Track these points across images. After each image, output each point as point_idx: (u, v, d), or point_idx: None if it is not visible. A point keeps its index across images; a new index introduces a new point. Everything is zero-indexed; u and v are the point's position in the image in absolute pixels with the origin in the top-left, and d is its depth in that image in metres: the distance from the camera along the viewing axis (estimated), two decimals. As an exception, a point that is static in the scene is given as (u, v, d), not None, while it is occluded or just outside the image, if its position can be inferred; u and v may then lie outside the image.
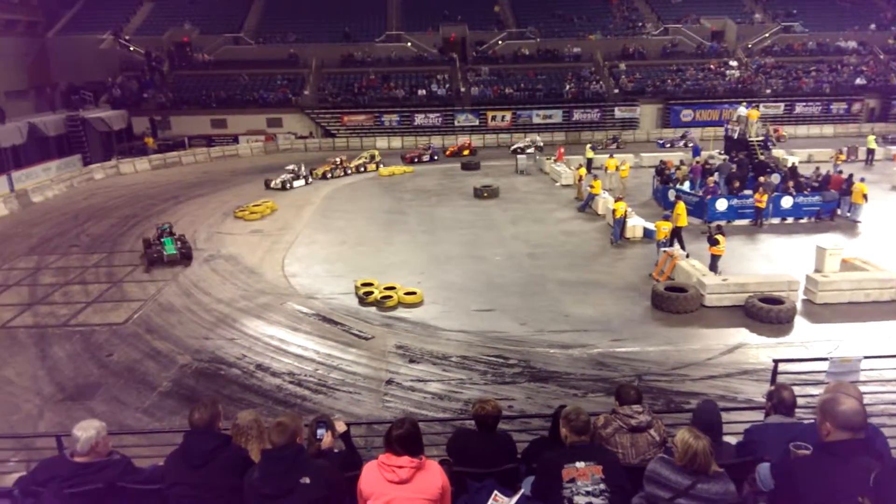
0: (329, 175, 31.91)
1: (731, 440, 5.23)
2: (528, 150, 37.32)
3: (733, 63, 46.33)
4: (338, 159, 33.16)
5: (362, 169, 33.55)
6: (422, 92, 44.04)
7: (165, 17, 48.59)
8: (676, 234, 18.50)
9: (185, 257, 19.44)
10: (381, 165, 34.18)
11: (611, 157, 28.75)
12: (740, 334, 13.84)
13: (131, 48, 45.36)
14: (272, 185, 29.51)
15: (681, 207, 18.86)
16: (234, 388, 12.25)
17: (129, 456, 4.92)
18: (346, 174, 32.65)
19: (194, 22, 47.80)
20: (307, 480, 3.98)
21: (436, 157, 36.78)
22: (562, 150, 33.83)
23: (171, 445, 4.79)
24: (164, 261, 19.02)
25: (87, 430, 4.56)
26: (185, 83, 44.32)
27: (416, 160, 36.11)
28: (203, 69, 45.02)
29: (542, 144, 39.38)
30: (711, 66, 46.10)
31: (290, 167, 30.62)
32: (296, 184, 29.67)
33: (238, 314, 15.68)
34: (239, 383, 12.43)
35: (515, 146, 38.77)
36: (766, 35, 49.16)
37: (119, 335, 14.71)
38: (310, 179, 30.87)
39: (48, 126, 34.84)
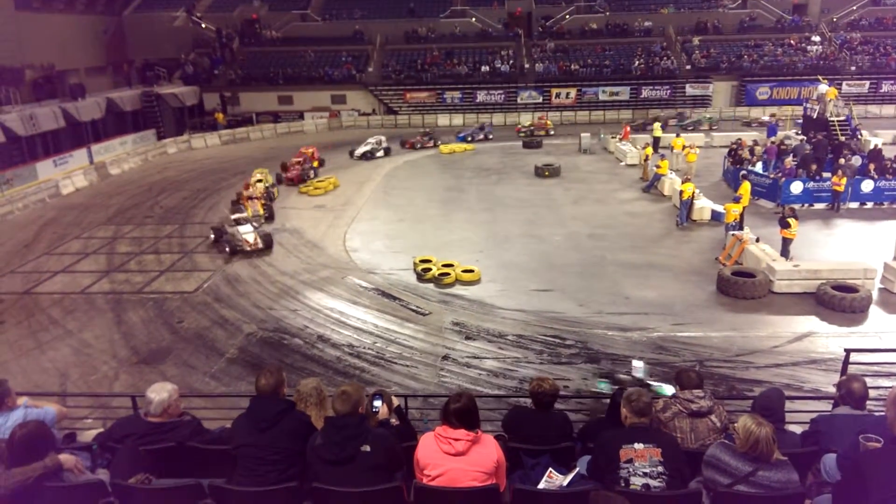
0: (252, 226, 19.28)
1: (797, 430, 5.08)
2: (378, 154, 31.48)
3: (816, 38, 43.82)
4: (244, 191, 22.69)
5: (266, 199, 22.73)
6: (485, 68, 43.57)
7: (236, -5, 49.64)
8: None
9: None
10: (276, 188, 25.18)
11: (678, 135, 27.85)
12: (810, 322, 13.31)
13: (203, 25, 46.58)
14: (229, 247, 18.47)
15: (745, 188, 18.52)
16: (296, 357, 12.65)
17: (198, 417, 5.17)
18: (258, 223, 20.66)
19: (263, -1, 48.68)
20: (368, 449, 4.09)
21: (313, 175, 27.55)
22: (628, 128, 32.92)
23: (236, 409, 5.00)
24: None
25: (160, 393, 4.82)
26: (254, 60, 45.24)
27: (296, 181, 26.33)
28: (271, 46, 45.83)
29: (388, 146, 32.26)
30: (792, 42, 43.74)
31: (211, 228, 19.99)
32: (243, 231, 18.69)
33: (301, 286, 16.11)
34: (301, 353, 12.82)
35: (360, 150, 31.67)
36: (854, 8, 46.22)
37: (189, 303, 15.37)
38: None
39: (125, 101, 36.39)
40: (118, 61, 44.90)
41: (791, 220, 15.97)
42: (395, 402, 5.17)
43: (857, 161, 22.24)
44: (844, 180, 20.38)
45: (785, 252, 16.02)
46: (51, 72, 36.76)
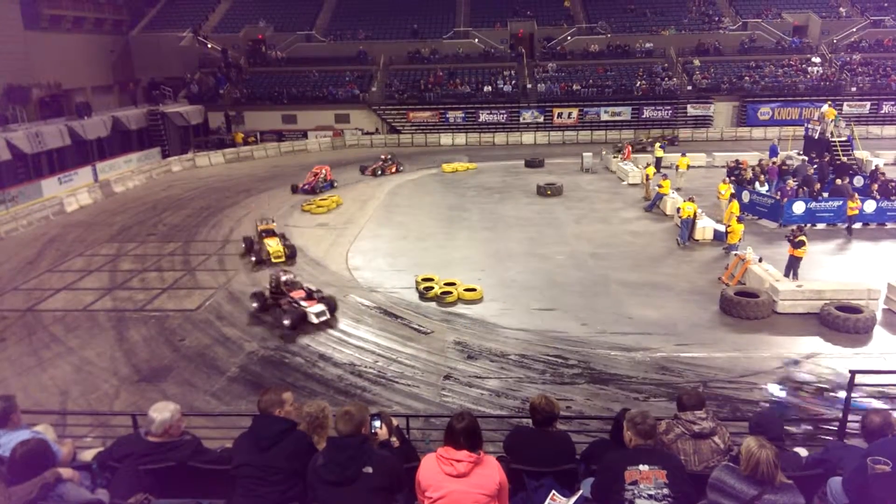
0: None
1: (802, 452, 5.03)
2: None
3: (816, 59, 44.15)
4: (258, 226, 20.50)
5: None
6: (488, 88, 43.88)
7: (242, 15, 50.21)
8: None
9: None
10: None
11: (683, 155, 27.98)
12: (814, 343, 13.24)
13: (209, 45, 47.09)
14: None
15: (733, 207, 19.17)
16: (298, 375, 12.60)
17: (198, 437, 5.14)
18: None
19: (269, 20, 49.16)
20: (370, 470, 4.04)
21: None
22: (630, 147, 33.02)
23: (237, 428, 4.97)
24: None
25: (162, 412, 4.77)
26: (259, 79, 45.64)
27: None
28: (276, 66, 46.26)
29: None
30: (792, 63, 44.09)
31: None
32: None
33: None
34: (302, 371, 12.77)
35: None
36: (854, 30, 46.60)
37: (191, 321, 15.35)
38: None
39: (130, 120, 36.67)
40: (124, 80, 45.35)
41: (803, 238, 15.89)
42: (395, 422, 5.14)
43: (858, 181, 22.29)
44: (858, 202, 20.35)
45: (796, 271, 15.91)
46: (57, 90, 37.13)
